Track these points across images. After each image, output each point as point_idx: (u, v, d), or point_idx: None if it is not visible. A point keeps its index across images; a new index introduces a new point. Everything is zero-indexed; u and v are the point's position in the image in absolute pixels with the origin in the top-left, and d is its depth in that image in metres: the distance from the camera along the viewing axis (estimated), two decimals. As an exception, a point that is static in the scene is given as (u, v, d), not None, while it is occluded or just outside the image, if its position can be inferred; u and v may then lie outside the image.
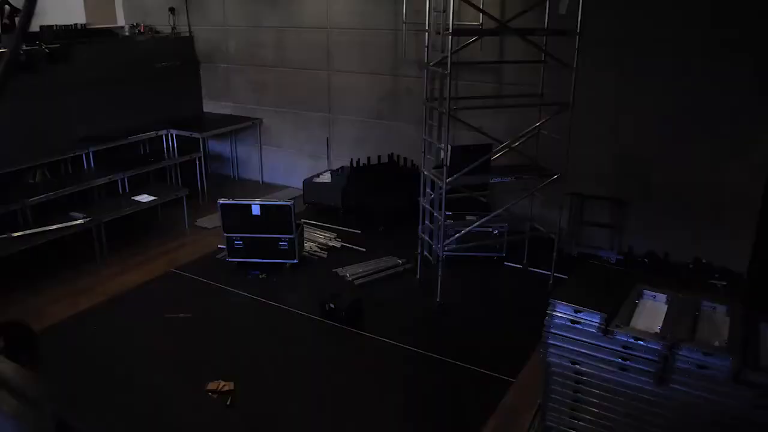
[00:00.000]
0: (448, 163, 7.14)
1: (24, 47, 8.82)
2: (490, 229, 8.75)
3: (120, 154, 10.79)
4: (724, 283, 8.06)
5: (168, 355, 6.67)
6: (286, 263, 8.57)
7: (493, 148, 7.59)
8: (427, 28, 7.86)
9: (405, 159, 10.47)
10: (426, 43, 7.84)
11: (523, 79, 8.76)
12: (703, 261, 8.41)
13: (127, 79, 11.23)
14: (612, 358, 4.25)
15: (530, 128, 7.90)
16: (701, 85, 7.97)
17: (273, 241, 8.48)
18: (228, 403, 5.78)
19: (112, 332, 7.14)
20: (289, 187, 12.04)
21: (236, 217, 8.45)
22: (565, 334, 4.40)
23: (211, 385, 5.98)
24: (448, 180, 7.19)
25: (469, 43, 8.69)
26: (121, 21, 12.92)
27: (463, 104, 8.39)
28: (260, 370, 6.42)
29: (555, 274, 8.02)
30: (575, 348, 4.38)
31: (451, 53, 6.95)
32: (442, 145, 7.36)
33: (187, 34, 12.56)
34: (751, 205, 7.24)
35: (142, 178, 10.76)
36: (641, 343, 4.13)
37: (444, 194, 7.33)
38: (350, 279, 8.24)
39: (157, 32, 12.54)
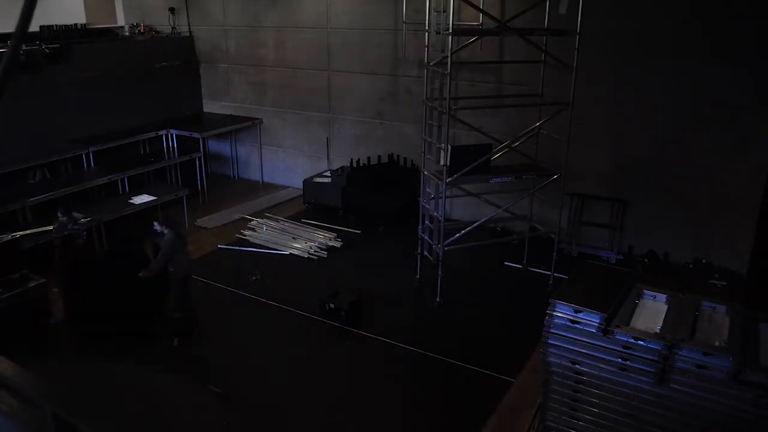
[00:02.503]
0: (448, 163, 7.13)
1: (24, 47, 8.81)
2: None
3: (120, 154, 10.79)
4: (724, 283, 8.06)
5: (167, 354, 6.67)
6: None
7: (493, 148, 7.59)
8: (427, 27, 7.86)
9: (405, 159, 10.48)
10: (426, 43, 7.83)
11: (522, 79, 8.77)
12: (703, 261, 8.41)
13: (127, 80, 11.23)
14: (612, 358, 4.25)
15: (530, 128, 7.90)
16: (701, 85, 7.97)
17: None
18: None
19: (112, 331, 7.14)
20: (289, 187, 12.04)
21: None
22: (565, 334, 4.39)
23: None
24: (448, 180, 7.19)
25: (469, 43, 8.69)
26: (121, 21, 12.92)
27: (463, 104, 8.39)
28: (260, 370, 6.42)
29: (555, 274, 8.02)
30: (575, 348, 4.38)
31: (451, 53, 6.95)
32: (442, 145, 7.36)
33: (187, 34, 12.56)
34: (751, 205, 7.25)
35: (142, 178, 10.77)
36: (641, 343, 4.13)
37: (444, 194, 7.33)
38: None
39: (157, 32, 12.55)
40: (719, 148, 8.05)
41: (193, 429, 5.61)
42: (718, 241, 8.24)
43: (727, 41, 7.66)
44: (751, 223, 7.19)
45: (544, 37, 7.76)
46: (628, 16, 8.26)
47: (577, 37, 7.06)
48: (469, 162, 7.26)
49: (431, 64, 7.70)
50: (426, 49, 7.80)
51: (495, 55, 9.36)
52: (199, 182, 11.49)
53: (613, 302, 4.49)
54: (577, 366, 4.43)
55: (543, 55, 7.78)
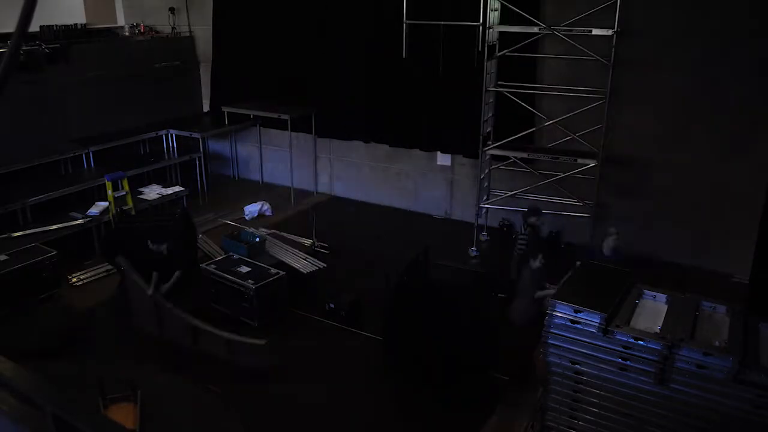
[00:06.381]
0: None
1: (24, 47, 8.81)
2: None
3: (120, 154, 10.78)
4: (725, 283, 8.05)
5: (167, 354, 6.67)
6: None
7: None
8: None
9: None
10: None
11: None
12: (703, 261, 8.40)
13: (126, 80, 11.22)
14: (612, 358, 4.25)
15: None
16: (701, 85, 7.96)
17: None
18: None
19: (112, 332, 7.14)
20: (290, 187, 12.01)
21: None
22: (565, 334, 4.40)
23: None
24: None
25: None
26: (121, 21, 12.92)
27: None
28: (259, 370, 6.41)
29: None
30: (575, 348, 4.39)
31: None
32: None
33: (187, 34, 12.55)
34: (752, 205, 7.24)
35: (142, 178, 10.76)
36: (641, 343, 4.13)
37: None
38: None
39: (157, 32, 12.54)
40: (719, 148, 8.05)
41: (193, 429, 5.60)
42: (719, 241, 8.23)
43: (728, 40, 7.65)
44: (751, 224, 7.18)
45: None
46: (629, 16, 8.24)
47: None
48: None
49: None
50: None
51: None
52: (199, 182, 11.49)
53: (613, 302, 4.49)
54: (577, 366, 4.43)
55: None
